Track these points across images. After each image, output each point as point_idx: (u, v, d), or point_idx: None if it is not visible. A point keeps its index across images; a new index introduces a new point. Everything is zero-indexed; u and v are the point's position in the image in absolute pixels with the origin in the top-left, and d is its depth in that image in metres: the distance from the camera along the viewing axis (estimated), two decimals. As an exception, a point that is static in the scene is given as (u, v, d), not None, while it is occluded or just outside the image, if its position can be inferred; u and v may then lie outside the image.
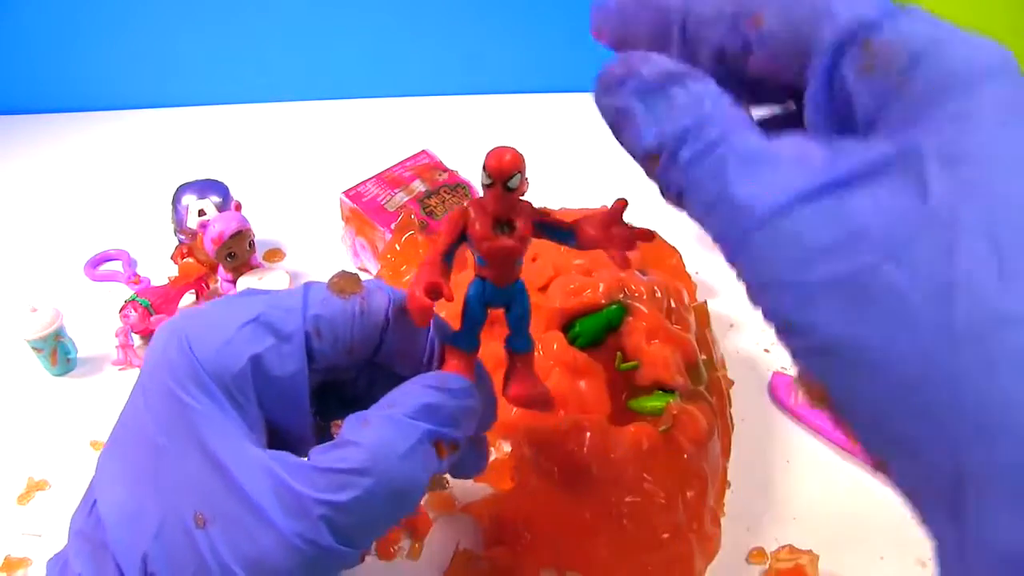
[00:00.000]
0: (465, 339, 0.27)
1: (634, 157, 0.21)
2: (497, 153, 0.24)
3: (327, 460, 0.23)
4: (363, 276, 0.27)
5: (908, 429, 0.15)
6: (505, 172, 0.24)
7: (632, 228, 0.25)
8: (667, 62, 0.20)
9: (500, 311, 0.28)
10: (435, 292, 0.25)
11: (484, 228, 0.25)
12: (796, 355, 0.17)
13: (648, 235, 0.25)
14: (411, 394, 0.25)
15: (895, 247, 0.15)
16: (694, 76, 0.20)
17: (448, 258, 0.26)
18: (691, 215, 0.20)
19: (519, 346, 0.28)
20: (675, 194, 0.20)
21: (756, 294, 0.18)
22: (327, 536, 0.22)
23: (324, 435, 0.29)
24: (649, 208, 0.27)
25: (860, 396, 0.16)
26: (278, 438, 0.25)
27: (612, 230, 0.25)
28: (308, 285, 0.26)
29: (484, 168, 0.24)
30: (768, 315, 0.18)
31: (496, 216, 0.25)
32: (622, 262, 0.26)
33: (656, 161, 0.20)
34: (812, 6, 0.18)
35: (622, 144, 0.21)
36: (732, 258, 0.18)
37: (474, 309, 0.27)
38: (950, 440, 0.14)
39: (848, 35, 0.17)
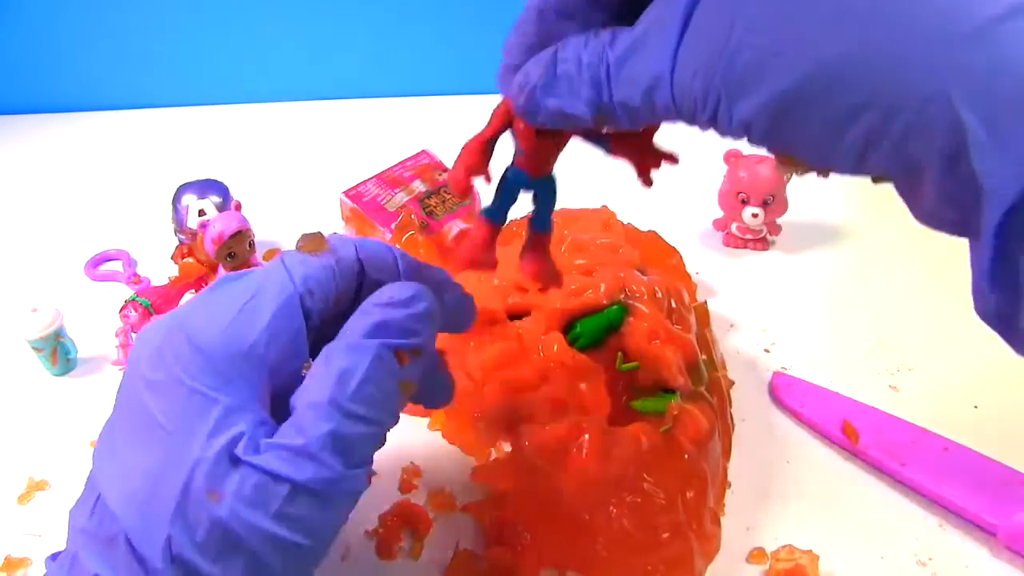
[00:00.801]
0: (495, 213, 0.29)
1: (588, 125, 0.24)
2: None
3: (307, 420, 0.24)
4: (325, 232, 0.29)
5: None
6: None
7: (659, 151, 0.28)
8: (540, 58, 0.24)
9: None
10: (475, 171, 0.27)
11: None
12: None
13: (673, 159, 0.28)
14: (361, 316, 0.26)
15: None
16: (563, 45, 0.24)
17: (491, 144, 0.28)
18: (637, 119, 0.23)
19: (540, 226, 0.30)
20: (628, 116, 0.23)
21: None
22: (336, 466, 0.24)
23: None
24: (649, 208, 0.27)
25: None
26: (283, 402, 0.26)
27: (644, 150, 0.28)
28: (282, 255, 0.28)
29: None
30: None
31: None
32: (646, 183, 0.29)
33: (601, 116, 0.23)
34: None
35: (567, 125, 0.25)
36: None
37: (508, 190, 0.29)
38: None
39: None
